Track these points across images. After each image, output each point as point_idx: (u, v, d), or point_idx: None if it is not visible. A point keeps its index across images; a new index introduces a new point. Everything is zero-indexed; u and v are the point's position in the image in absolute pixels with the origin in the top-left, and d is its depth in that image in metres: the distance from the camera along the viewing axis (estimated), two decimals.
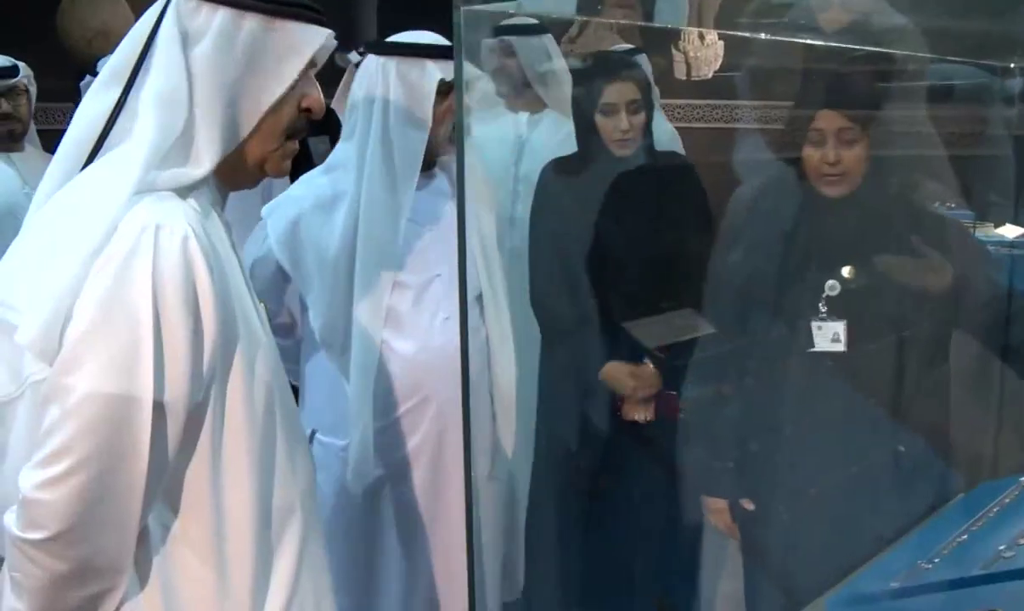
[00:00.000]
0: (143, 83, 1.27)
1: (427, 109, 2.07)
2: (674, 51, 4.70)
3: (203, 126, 1.26)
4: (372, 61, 2.11)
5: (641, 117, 2.45)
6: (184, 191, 1.27)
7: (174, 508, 1.26)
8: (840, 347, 1.99)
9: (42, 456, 1.16)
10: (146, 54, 1.27)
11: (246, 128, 1.30)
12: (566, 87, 2.86)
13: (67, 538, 1.16)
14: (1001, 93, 2.55)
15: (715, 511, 2.24)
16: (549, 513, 2.65)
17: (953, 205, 2.16)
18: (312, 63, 1.34)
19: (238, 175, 1.35)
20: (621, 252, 2.46)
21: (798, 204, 2.06)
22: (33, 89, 3.26)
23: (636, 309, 2.44)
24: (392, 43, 2.12)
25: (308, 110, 1.35)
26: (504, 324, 2.21)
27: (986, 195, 2.50)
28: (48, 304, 1.17)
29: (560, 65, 2.94)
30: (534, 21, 2.86)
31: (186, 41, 1.26)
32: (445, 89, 2.08)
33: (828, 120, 1.96)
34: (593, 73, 2.54)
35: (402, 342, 2.13)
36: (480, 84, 2.09)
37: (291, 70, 1.30)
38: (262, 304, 1.45)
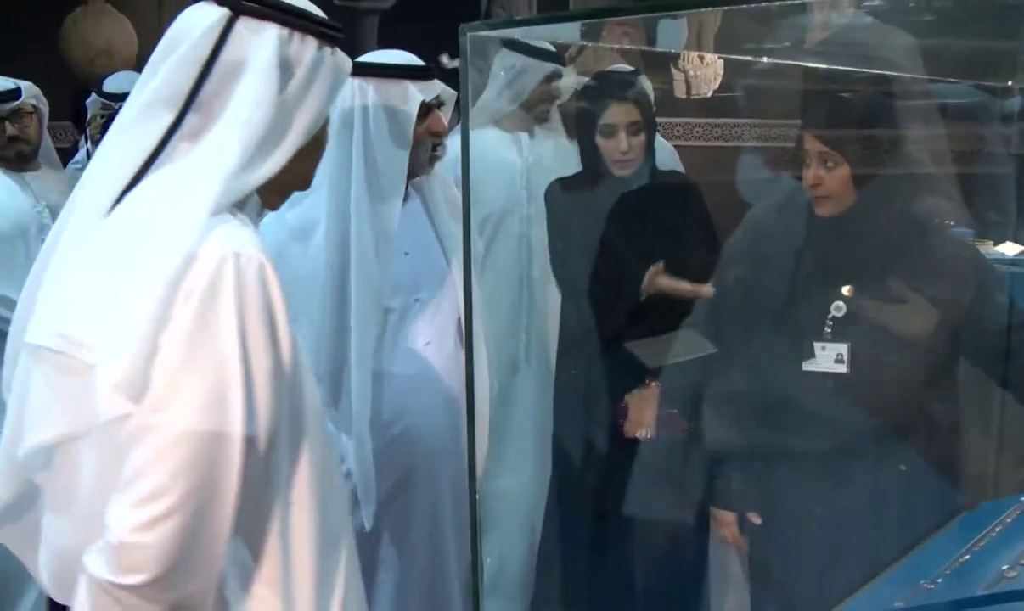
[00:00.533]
0: (221, 108, 1.26)
1: (408, 130, 2.06)
2: (673, 70, 4.72)
3: (270, 146, 1.28)
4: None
5: (641, 138, 2.46)
6: (234, 208, 1.26)
7: (244, 539, 1.25)
8: (843, 368, 1.99)
9: (136, 498, 1.13)
10: (204, 78, 1.26)
11: (298, 146, 1.32)
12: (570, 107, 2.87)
13: (164, 581, 1.14)
14: (999, 112, 2.56)
15: (723, 523, 2.23)
16: (557, 528, 2.66)
17: (952, 223, 2.16)
18: None
19: (275, 194, 1.38)
20: (623, 272, 2.46)
21: (803, 224, 2.07)
22: (44, 108, 3.23)
23: (639, 328, 2.45)
24: (369, 64, 2.10)
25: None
26: (480, 347, 2.21)
27: (985, 213, 2.51)
28: (132, 340, 1.15)
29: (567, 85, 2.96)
30: (547, 45, 2.87)
31: (283, 71, 1.28)
32: (423, 111, 2.08)
33: (810, 143, 1.97)
34: (594, 94, 2.55)
35: (385, 368, 2.12)
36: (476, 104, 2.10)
37: (338, 92, 1.38)
38: None
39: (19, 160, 3.10)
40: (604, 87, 2.55)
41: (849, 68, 2.21)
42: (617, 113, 2.44)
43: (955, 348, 2.03)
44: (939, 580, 1.63)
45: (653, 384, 2.42)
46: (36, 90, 3.23)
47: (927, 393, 2.02)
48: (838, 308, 2.00)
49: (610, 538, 2.55)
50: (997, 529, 1.76)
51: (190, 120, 1.27)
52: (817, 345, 2.00)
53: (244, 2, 1.29)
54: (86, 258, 1.24)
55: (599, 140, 2.46)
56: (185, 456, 1.13)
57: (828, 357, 1.99)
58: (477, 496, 1.77)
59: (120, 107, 1.33)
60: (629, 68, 2.97)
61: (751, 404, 2.15)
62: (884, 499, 2.04)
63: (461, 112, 1.69)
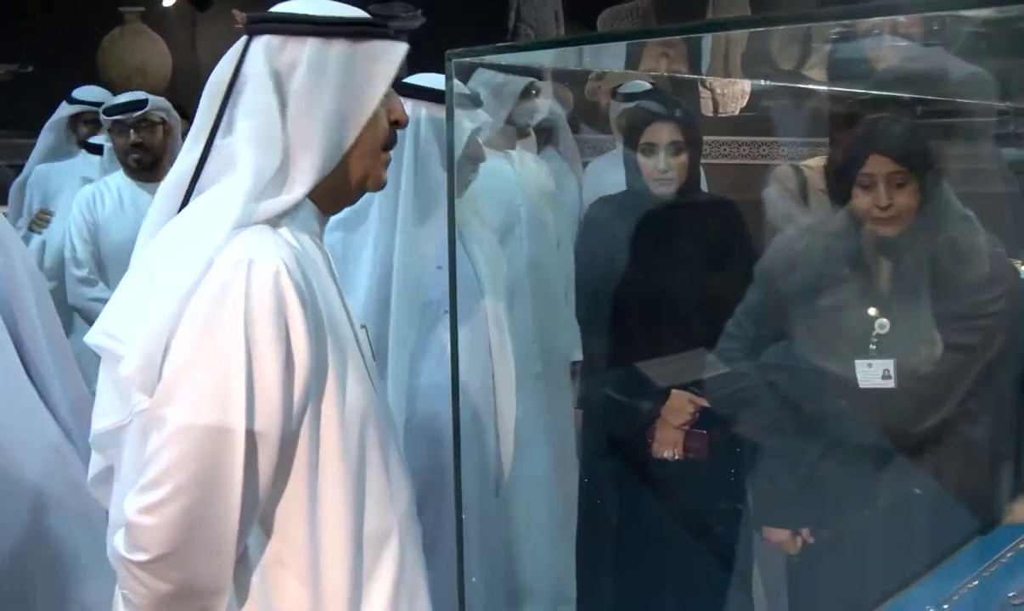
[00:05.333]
0: (234, 128, 1.31)
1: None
2: (700, 89, 4.70)
3: (299, 155, 1.31)
4: None
5: (682, 158, 2.43)
6: (277, 220, 1.30)
7: (272, 533, 1.29)
8: (890, 384, 1.99)
9: (143, 483, 1.21)
10: (227, 101, 1.32)
11: (344, 148, 1.33)
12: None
13: (167, 561, 1.21)
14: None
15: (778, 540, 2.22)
16: (589, 546, 2.69)
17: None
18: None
19: (339, 196, 1.40)
20: (659, 290, 2.45)
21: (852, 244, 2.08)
22: (174, 122, 3.34)
23: (672, 347, 2.45)
24: (424, 88, 2.12)
25: (396, 122, 1.41)
26: (508, 363, 2.28)
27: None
28: (148, 338, 1.23)
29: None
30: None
31: (278, 79, 1.31)
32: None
33: (879, 164, 1.96)
34: (637, 111, 2.53)
35: (418, 379, 2.18)
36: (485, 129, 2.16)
37: (381, 85, 1.35)
38: (363, 328, 1.47)
39: (139, 168, 3.22)
40: (647, 104, 2.53)
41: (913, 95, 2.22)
42: (657, 131, 2.42)
43: (992, 369, 2.01)
44: (946, 606, 1.63)
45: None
46: (166, 104, 3.34)
47: (961, 412, 2.02)
48: (882, 325, 2.01)
49: (633, 559, 2.55)
50: (1009, 555, 1.75)
51: (222, 144, 1.32)
52: (862, 362, 2.00)
53: (252, 25, 1.34)
54: (138, 267, 1.34)
55: (640, 159, 2.45)
56: (186, 447, 1.19)
57: (875, 373, 2.00)
58: (464, 515, 1.85)
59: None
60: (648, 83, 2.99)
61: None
62: (900, 522, 2.04)
63: (446, 134, 1.71)
